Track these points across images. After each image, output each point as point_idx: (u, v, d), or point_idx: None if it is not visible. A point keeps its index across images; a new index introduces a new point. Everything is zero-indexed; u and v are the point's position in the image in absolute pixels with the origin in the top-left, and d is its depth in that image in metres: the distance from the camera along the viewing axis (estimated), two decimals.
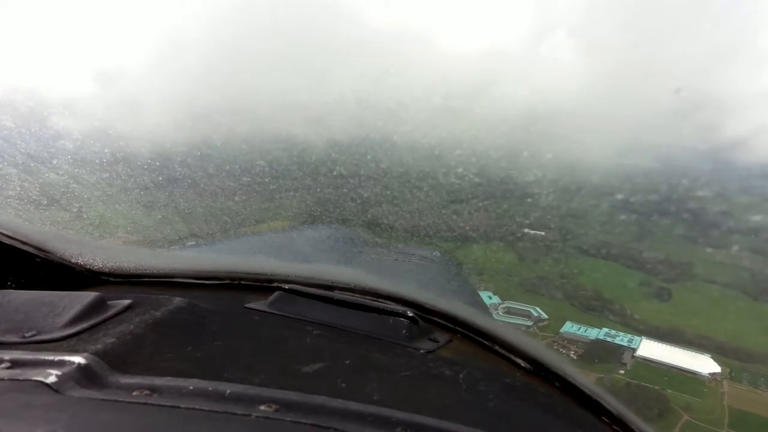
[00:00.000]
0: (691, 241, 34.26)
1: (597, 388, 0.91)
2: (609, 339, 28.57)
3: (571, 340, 28.33)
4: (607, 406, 0.86)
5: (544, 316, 29.71)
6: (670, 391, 25.18)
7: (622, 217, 33.85)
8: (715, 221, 30.91)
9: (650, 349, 27.82)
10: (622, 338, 28.67)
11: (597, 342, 28.22)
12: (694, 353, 27.84)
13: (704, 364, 26.76)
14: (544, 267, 33.60)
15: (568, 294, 32.52)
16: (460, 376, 0.82)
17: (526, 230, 32.24)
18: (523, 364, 0.97)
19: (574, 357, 26.05)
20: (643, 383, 25.40)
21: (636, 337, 28.76)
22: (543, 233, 33.40)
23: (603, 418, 0.86)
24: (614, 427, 0.85)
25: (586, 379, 0.95)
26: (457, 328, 1.07)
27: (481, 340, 1.04)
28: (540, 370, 0.95)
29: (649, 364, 27.05)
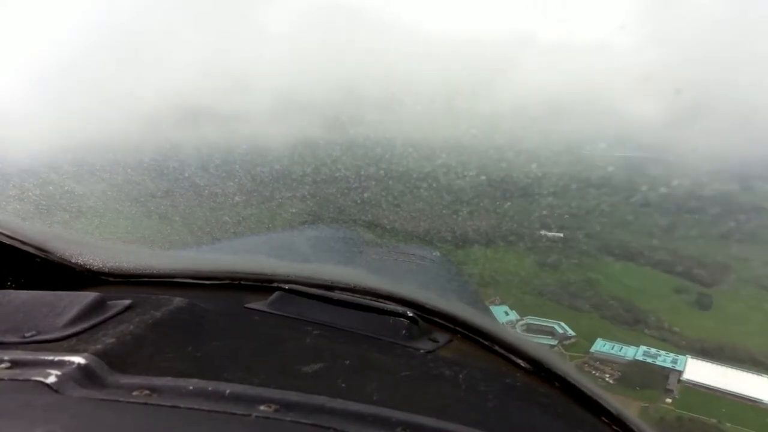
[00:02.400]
0: (725, 239, 29.63)
1: (597, 388, 0.91)
2: (649, 359, 24.06)
3: (605, 361, 24.11)
4: (607, 406, 0.87)
5: (571, 332, 25.57)
6: (729, 424, 20.82)
7: (647, 214, 30.12)
8: (750, 217, 27.00)
9: (698, 370, 23.40)
10: (664, 358, 24.08)
11: (635, 363, 23.76)
12: (750, 374, 23.17)
13: (765, 389, 22.21)
14: (566, 273, 29.53)
15: (596, 304, 28.09)
16: (460, 376, 0.82)
17: (543, 232, 29.02)
18: (523, 364, 0.97)
19: (611, 381, 22.35)
20: (696, 415, 21.06)
21: (680, 356, 24.20)
22: (562, 235, 29.78)
23: (603, 417, 0.86)
24: (614, 426, 0.85)
25: (585, 378, 0.95)
26: (457, 328, 1.07)
27: (481, 340, 1.04)
28: (540, 370, 0.95)
29: (699, 389, 22.63)
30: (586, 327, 26.45)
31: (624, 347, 24.86)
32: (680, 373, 23.43)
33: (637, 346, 24.99)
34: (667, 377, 23.39)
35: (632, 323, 27.29)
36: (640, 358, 24.29)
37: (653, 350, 24.84)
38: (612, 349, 24.84)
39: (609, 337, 25.75)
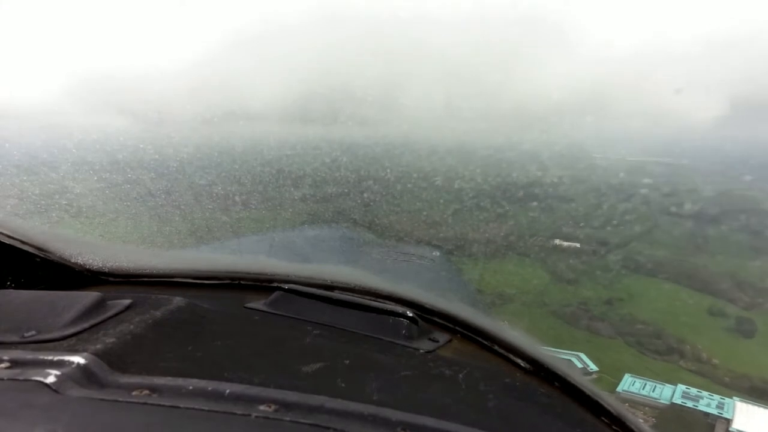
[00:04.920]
0: (760, 253, 25.73)
1: (596, 388, 0.91)
2: (690, 403, 19.32)
3: (636, 404, 19.43)
4: (607, 406, 0.87)
5: (593, 366, 21.36)
6: None
7: (670, 224, 26.65)
8: None
9: (750, 418, 18.54)
10: (707, 401, 19.42)
11: (673, 408, 19.16)
12: None
13: None
14: (585, 289, 25.68)
15: (621, 329, 24.01)
16: (460, 376, 0.82)
17: (557, 241, 25.86)
18: (522, 364, 0.97)
19: None
20: None
21: (726, 399, 19.56)
22: (578, 245, 26.26)
23: (602, 417, 0.86)
24: (614, 426, 0.85)
25: (585, 379, 0.95)
26: (457, 328, 1.07)
27: (481, 340, 1.04)
28: (540, 370, 0.95)
29: None
30: (610, 357, 22.34)
31: (658, 386, 20.23)
32: (729, 421, 18.78)
33: (674, 384, 20.40)
34: (712, 426, 18.89)
35: (664, 353, 22.97)
36: (678, 401, 19.68)
37: (693, 391, 20.03)
38: (643, 388, 20.24)
39: (638, 370, 21.46)
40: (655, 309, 25.06)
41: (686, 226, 27.08)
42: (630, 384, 20.44)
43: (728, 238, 26.05)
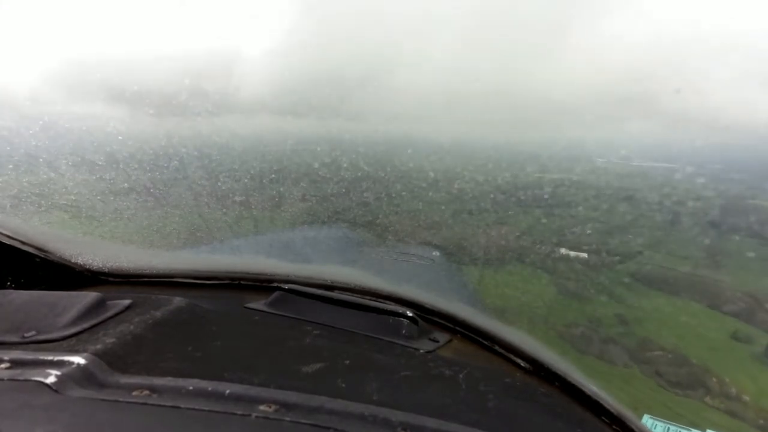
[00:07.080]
0: None
1: (596, 388, 0.91)
2: None
3: None
4: (607, 406, 0.87)
5: None
6: None
7: (682, 234, 25.10)
8: None
9: None
10: None
11: None
12: None
13: None
14: (593, 307, 23.35)
15: (636, 356, 21.39)
16: (460, 376, 0.82)
17: (563, 251, 24.06)
18: (523, 364, 0.97)
19: None
20: None
21: None
22: (586, 255, 24.33)
23: (603, 417, 0.86)
24: (614, 426, 0.85)
25: (585, 378, 0.95)
26: (457, 328, 1.07)
27: (481, 340, 1.04)
28: (540, 370, 0.95)
29: None
30: (626, 392, 19.16)
31: (683, 431, 18.82)
32: None
33: (701, 428, 14.87)
34: None
35: (686, 386, 20.22)
36: None
37: None
38: None
39: (658, 408, 18.06)
40: (672, 331, 22.78)
41: (701, 237, 25.22)
42: (651, 427, 18.25)
43: (748, 252, 24.21)
